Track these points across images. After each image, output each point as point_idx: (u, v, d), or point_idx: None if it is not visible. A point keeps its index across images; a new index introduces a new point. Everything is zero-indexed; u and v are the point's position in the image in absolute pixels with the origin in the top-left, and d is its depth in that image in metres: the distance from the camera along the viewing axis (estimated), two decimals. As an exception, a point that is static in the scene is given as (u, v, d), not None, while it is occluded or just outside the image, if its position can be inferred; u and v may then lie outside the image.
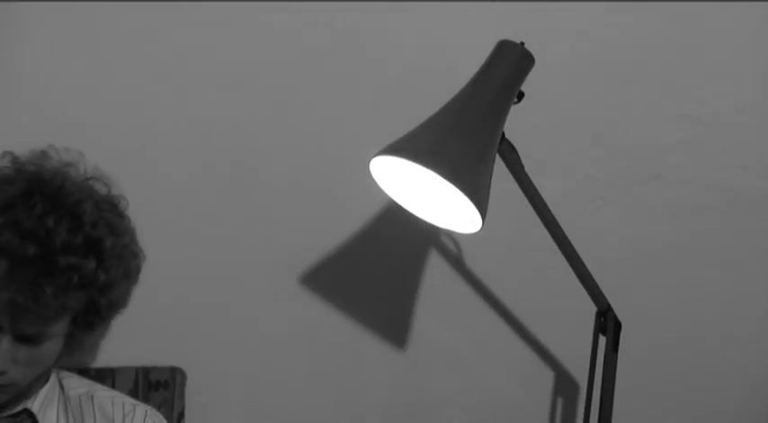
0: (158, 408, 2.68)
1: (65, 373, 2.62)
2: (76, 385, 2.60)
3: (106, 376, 2.75)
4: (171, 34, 2.77)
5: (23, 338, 2.29)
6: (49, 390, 2.51)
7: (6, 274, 2.22)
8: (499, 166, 2.40)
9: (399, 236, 2.86)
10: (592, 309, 2.69)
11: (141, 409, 2.60)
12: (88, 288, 2.32)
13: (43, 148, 2.46)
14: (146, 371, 2.79)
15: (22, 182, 2.34)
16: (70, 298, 2.28)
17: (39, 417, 2.46)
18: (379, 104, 2.76)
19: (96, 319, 2.43)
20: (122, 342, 2.79)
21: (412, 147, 2.30)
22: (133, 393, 2.74)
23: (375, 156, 2.34)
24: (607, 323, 2.66)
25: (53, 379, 2.54)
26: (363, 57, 2.83)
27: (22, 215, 2.26)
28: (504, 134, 2.42)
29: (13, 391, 2.36)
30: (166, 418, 2.67)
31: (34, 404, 2.46)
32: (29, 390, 2.45)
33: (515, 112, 2.40)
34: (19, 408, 2.44)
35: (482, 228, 2.34)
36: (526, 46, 2.38)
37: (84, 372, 2.72)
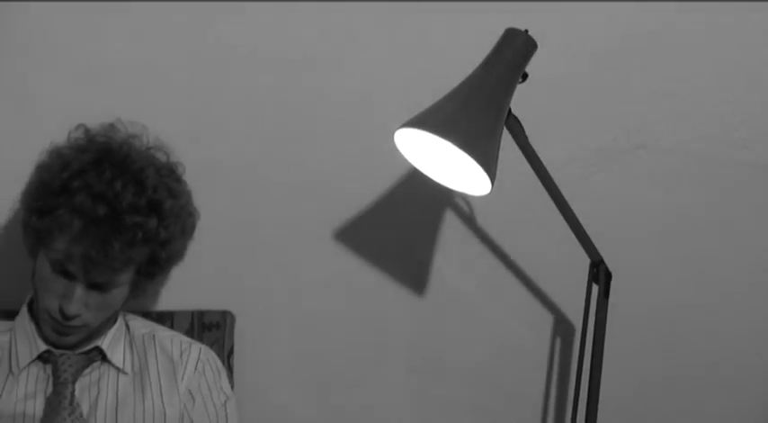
0: (211, 346, 2.72)
1: (130, 316, 2.66)
2: (140, 326, 2.65)
3: (166, 318, 2.78)
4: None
5: (94, 286, 2.34)
6: (116, 330, 2.55)
7: (80, 232, 2.27)
8: (506, 137, 2.43)
9: (419, 197, 2.87)
10: (586, 261, 2.70)
11: (196, 346, 2.64)
12: (150, 243, 2.36)
13: (112, 121, 2.49)
14: (200, 314, 2.82)
15: (94, 151, 2.38)
16: (135, 252, 2.33)
17: (108, 353, 2.50)
18: (404, 83, 2.77)
19: (157, 270, 2.48)
20: (180, 289, 2.83)
21: (431, 120, 2.33)
22: (189, 333, 2.77)
23: (399, 128, 2.37)
24: (599, 273, 2.67)
25: (120, 321, 2.57)
26: (392, 43, 2.84)
27: (93, 180, 2.31)
28: (510, 110, 2.44)
29: (85, 332, 2.41)
30: (217, 354, 2.69)
31: (104, 342, 2.50)
32: (99, 330, 2.49)
33: (520, 91, 2.42)
34: (91, 346, 2.49)
35: (491, 190, 2.37)
36: (530, 33, 2.39)
37: (146, 314, 2.75)
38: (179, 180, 2.51)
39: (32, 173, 2.45)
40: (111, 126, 2.50)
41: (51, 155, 2.45)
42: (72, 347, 2.48)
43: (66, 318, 2.36)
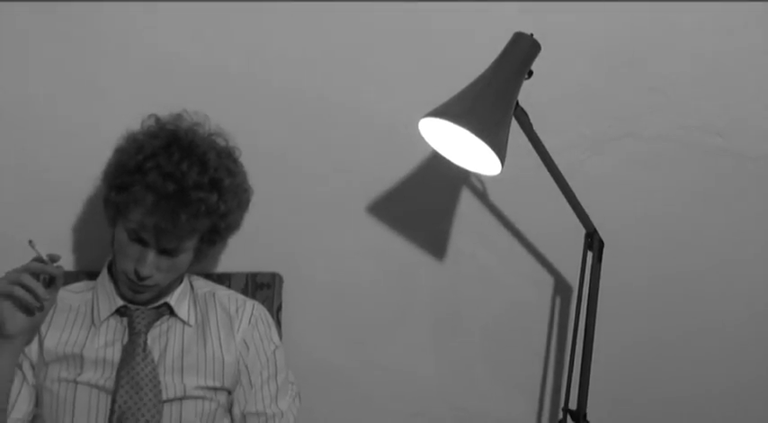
0: (262, 303, 2.75)
1: (194, 277, 2.72)
2: (203, 285, 2.70)
3: (224, 279, 2.82)
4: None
5: (164, 252, 2.41)
6: (182, 289, 2.61)
7: (153, 205, 2.33)
8: (514, 126, 2.46)
9: (440, 177, 2.89)
10: (582, 231, 2.72)
11: (250, 303, 2.69)
12: (212, 215, 2.43)
13: (179, 111, 2.55)
14: (253, 275, 2.85)
15: (164, 137, 2.44)
16: (199, 223, 2.39)
17: (175, 308, 2.57)
18: (426, 80, 2.79)
19: (217, 238, 2.53)
20: (236, 254, 2.86)
21: (450, 111, 2.37)
22: (244, 292, 2.80)
23: (423, 117, 2.41)
24: (593, 242, 2.70)
25: (185, 281, 2.63)
26: (417, 45, 2.86)
27: (164, 161, 2.37)
28: (518, 102, 2.47)
29: (156, 291, 2.48)
30: (268, 310, 2.73)
31: (172, 299, 2.57)
32: (168, 289, 2.55)
33: (526, 86, 2.45)
34: (161, 302, 2.56)
35: (501, 171, 2.41)
36: (534, 36, 2.42)
37: (208, 276, 2.80)
38: (236, 161, 2.57)
39: (111, 155, 2.52)
40: (179, 115, 2.57)
41: (128, 140, 2.52)
42: (145, 303, 2.55)
43: (141, 278, 2.43)
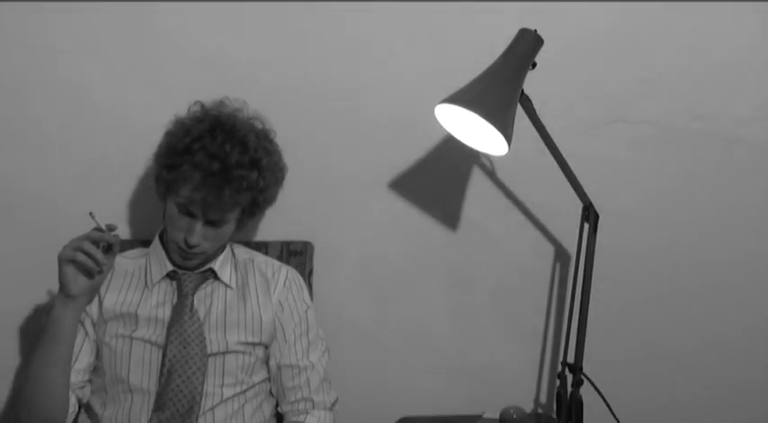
0: (295, 267, 2.76)
1: (235, 245, 2.73)
2: (243, 253, 2.71)
3: (262, 247, 2.83)
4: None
5: (210, 223, 2.43)
6: (225, 255, 2.62)
7: (200, 182, 2.36)
8: (519, 111, 2.46)
9: (453, 156, 2.89)
10: (579, 205, 2.74)
11: (285, 268, 2.70)
12: (252, 190, 2.45)
13: (221, 99, 2.56)
14: (287, 244, 2.87)
15: (208, 122, 2.46)
16: (241, 197, 2.42)
17: (218, 272, 2.59)
18: (441, 71, 2.78)
19: (257, 210, 2.56)
20: (273, 225, 2.89)
21: (463, 97, 2.38)
22: (279, 258, 2.81)
23: (439, 103, 2.42)
24: (589, 214, 2.71)
25: (227, 248, 2.65)
26: (435, 41, 2.87)
27: (209, 143, 2.40)
28: (523, 90, 2.48)
29: (202, 258, 2.51)
30: (300, 274, 2.75)
31: (215, 265, 2.59)
32: (212, 256, 2.57)
33: (530, 76, 2.47)
34: (206, 267, 2.58)
35: (508, 151, 2.42)
36: (538, 32, 2.43)
37: (248, 244, 2.81)
38: (272, 142, 2.59)
39: (162, 138, 2.54)
40: (221, 102, 2.58)
41: (176, 124, 2.54)
42: (192, 268, 2.58)
43: (190, 247, 2.45)
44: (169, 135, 2.54)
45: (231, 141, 2.45)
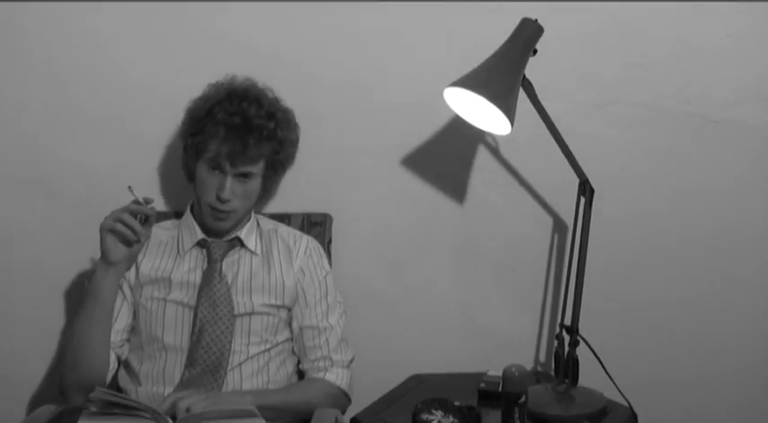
0: (315, 237, 2.79)
1: (260, 216, 2.76)
2: (267, 223, 2.74)
3: (285, 218, 2.85)
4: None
5: (239, 176, 2.48)
6: (250, 225, 2.66)
7: (224, 136, 2.44)
8: (521, 94, 2.48)
9: (460, 135, 2.90)
10: (576, 180, 2.74)
11: (306, 237, 2.73)
12: (272, 141, 2.53)
13: (232, 75, 2.63)
14: (308, 215, 2.87)
15: (223, 91, 2.56)
16: (263, 147, 2.50)
17: (244, 240, 2.62)
18: (451, 56, 2.78)
19: (278, 166, 2.62)
20: (294, 198, 2.91)
21: (470, 81, 2.41)
22: (301, 229, 2.83)
23: (447, 87, 2.45)
24: (585, 189, 2.71)
25: (253, 218, 2.68)
26: (445, 31, 2.88)
27: (227, 105, 2.50)
28: (525, 75, 2.49)
29: (235, 218, 2.55)
30: (320, 243, 2.77)
31: (242, 233, 2.61)
32: (238, 224, 2.60)
33: (532, 62, 2.48)
34: (233, 235, 2.60)
35: (511, 131, 2.44)
36: (539, 21, 2.45)
37: (272, 216, 2.83)
38: (283, 104, 2.65)
39: (184, 115, 2.61)
40: (233, 77, 2.63)
41: (194, 101, 2.60)
42: (221, 235, 2.60)
43: (222, 202, 2.49)
44: (190, 110, 2.61)
45: (247, 100, 2.54)
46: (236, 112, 2.49)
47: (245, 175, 2.52)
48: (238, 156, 2.48)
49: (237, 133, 2.47)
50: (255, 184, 2.57)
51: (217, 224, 2.57)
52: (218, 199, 2.50)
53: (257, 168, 2.54)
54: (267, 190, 2.70)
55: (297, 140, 2.68)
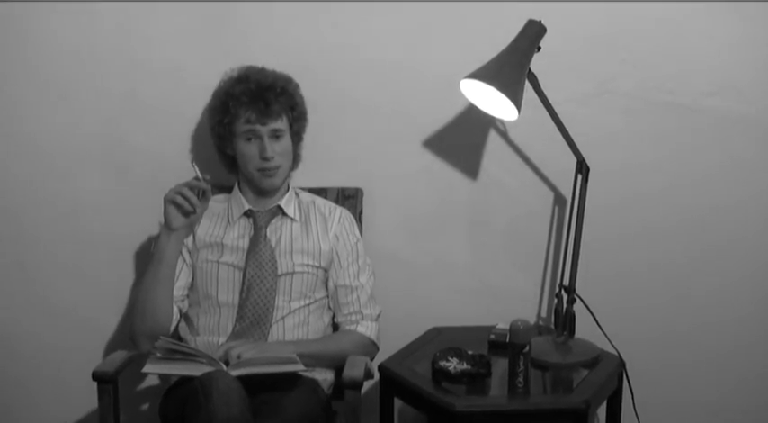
0: (348, 208, 2.79)
1: (298, 189, 2.75)
2: (306, 196, 2.74)
3: (321, 192, 2.83)
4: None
5: (272, 134, 2.50)
6: (289, 195, 2.67)
7: (248, 103, 2.49)
8: (527, 85, 2.47)
9: (473, 120, 2.88)
10: (574, 160, 2.73)
11: (339, 208, 2.73)
12: (287, 97, 2.57)
13: (247, 65, 2.63)
14: (342, 189, 2.86)
15: (237, 75, 2.57)
16: (281, 103, 2.52)
17: (285, 209, 2.63)
18: (465, 52, 2.70)
19: (298, 126, 2.63)
20: (330, 174, 2.90)
21: (482, 74, 2.41)
22: (336, 201, 2.82)
23: (463, 78, 2.45)
24: (582, 168, 2.70)
25: (291, 190, 2.69)
26: (461, 29, 2.85)
27: (244, 83, 2.52)
28: (530, 68, 2.48)
29: (282, 175, 2.59)
30: (352, 214, 2.77)
31: (282, 202, 2.63)
32: (278, 194, 2.63)
33: (536, 57, 2.48)
34: (275, 205, 2.61)
35: (518, 117, 2.44)
36: (542, 22, 2.44)
37: (310, 190, 2.81)
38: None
39: (207, 114, 2.68)
40: (246, 68, 2.63)
41: (214, 95, 2.62)
42: (265, 206, 2.62)
43: (267, 159, 2.51)
44: (211, 100, 2.64)
45: (255, 73, 2.57)
46: (249, 82, 2.52)
47: (277, 134, 2.54)
48: (265, 115, 2.49)
49: (258, 95, 2.49)
50: (287, 142, 2.58)
51: (269, 181, 2.58)
52: (264, 159, 2.52)
53: (283, 124, 2.55)
54: (295, 155, 2.68)
55: (305, 112, 2.67)
